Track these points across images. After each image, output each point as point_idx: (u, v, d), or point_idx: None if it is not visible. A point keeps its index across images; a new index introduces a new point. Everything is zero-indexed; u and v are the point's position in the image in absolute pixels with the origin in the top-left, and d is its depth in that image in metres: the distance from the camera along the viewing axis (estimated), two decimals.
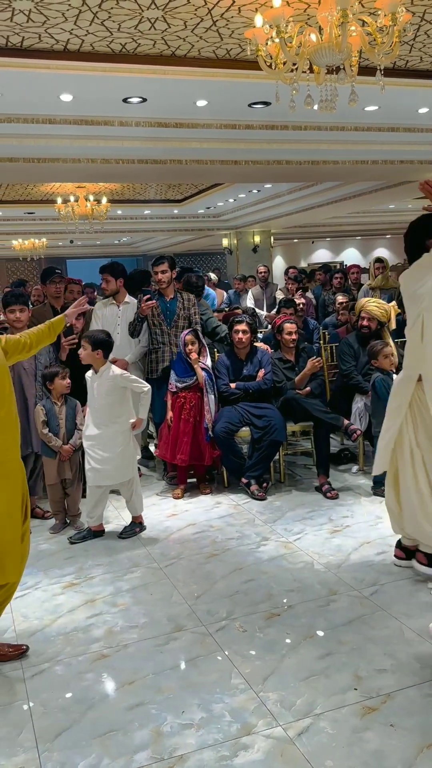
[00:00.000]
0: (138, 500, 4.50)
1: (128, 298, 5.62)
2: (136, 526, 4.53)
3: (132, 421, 4.40)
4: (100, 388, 4.31)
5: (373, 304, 5.46)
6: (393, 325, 5.46)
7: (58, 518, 4.63)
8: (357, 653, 2.91)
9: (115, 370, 4.36)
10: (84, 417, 4.53)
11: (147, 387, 4.39)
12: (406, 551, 3.76)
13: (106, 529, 4.53)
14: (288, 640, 3.05)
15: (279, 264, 20.17)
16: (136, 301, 5.52)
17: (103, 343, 4.30)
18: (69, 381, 4.55)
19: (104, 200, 10.03)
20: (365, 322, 5.45)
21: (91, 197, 10.01)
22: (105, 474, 4.33)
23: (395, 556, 3.82)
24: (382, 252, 21.42)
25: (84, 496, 4.60)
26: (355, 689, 2.66)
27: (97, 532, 4.48)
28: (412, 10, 4.27)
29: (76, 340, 4.86)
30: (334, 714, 2.52)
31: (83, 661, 2.99)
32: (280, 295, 9.42)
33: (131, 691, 2.74)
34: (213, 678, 2.80)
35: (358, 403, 5.38)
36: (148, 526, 4.57)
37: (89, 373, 4.40)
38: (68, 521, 4.66)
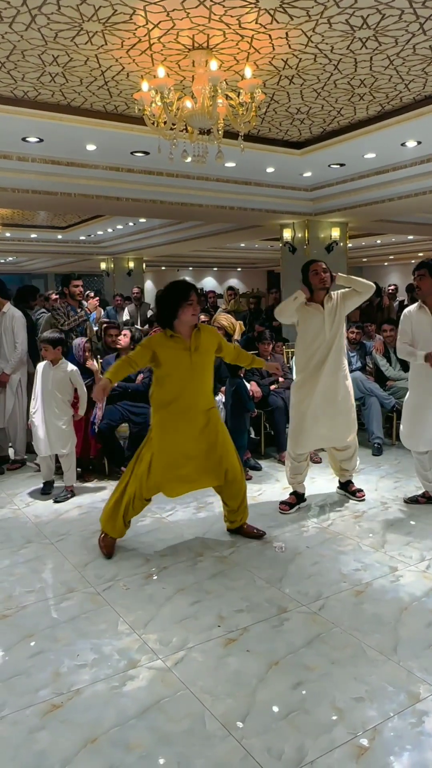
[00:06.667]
0: (73, 471, 4.80)
1: (6, 307, 5.46)
2: (69, 492, 4.79)
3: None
4: (55, 377, 4.61)
5: (223, 317, 5.75)
6: (237, 337, 5.77)
7: None
8: (220, 599, 3.11)
9: (71, 366, 4.66)
10: None
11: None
12: None
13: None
14: (164, 593, 3.20)
15: (149, 287, 20.27)
16: (16, 311, 5.44)
17: (61, 341, 4.65)
18: None
19: None
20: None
21: None
22: (50, 445, 4.66)
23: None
24: (233, 281, 22.22)
25: None
26: (219, 626, 2.86)
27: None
28: (264, 91, 4.63)
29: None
30: (203, 646, 2.70)
31: None
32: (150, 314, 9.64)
33: (31, 643, 2.76)
34: (102, 627, 2.88)
35: (218, 396, 5.63)
36: (39, 509, 4.51)
37: (43, 365, 4.65)
38: None
